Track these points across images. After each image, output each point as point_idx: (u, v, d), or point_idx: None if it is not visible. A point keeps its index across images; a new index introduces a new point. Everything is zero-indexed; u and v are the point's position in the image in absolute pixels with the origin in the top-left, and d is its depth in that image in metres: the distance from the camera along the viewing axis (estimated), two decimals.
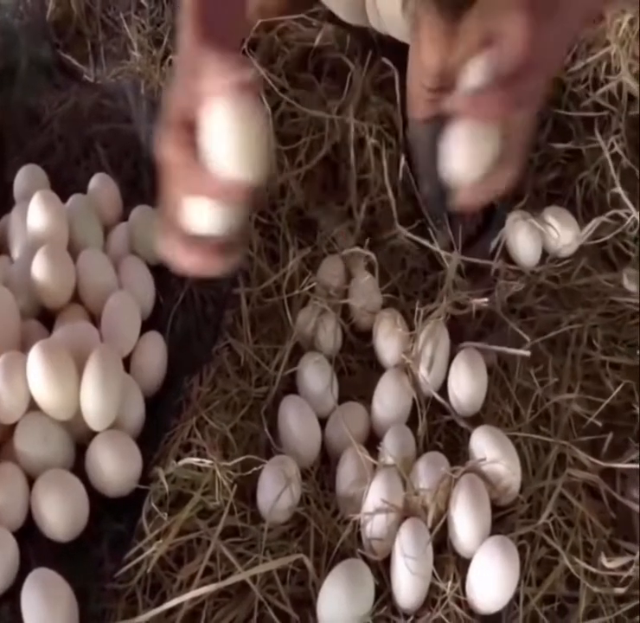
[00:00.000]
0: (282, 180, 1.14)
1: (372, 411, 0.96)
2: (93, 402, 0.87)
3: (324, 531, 0.87)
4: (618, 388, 0.95)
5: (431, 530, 0.84)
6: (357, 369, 1.02)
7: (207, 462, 0.87)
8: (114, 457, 0.87)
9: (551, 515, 0.85)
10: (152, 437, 0.92)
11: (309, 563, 0.83)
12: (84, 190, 1.10)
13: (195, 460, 0.87)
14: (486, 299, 1.03)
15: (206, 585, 0.81)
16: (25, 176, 1.10)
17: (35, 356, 0.88)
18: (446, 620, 0.80)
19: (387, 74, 1.23)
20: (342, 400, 0.97)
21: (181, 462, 0.88)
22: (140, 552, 0.83)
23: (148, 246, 1.07)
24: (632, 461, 0.90)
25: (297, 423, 0.93)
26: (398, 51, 1.18)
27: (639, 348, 0.99)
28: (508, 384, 0.97)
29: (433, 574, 0.82)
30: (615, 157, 1.18)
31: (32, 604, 0.78)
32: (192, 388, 0.95)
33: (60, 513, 0.84)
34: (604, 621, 0.80)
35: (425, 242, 1.11)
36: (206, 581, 0.81)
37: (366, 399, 0.97)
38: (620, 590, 0.82)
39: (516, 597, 0.81)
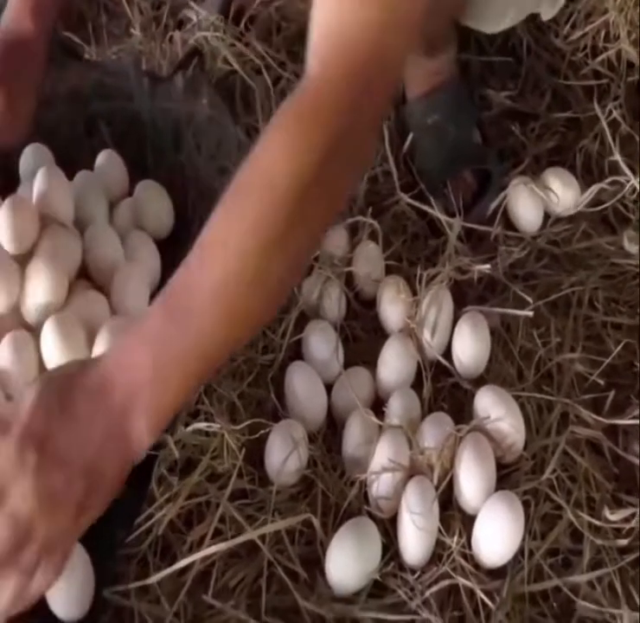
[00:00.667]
0: None
1: (377, 375, 0.97)
2: None
3: (331, 492, 0.88)
4: (619, 347, 0.96)
5: (436, 488, 0.85)
6: (362, 336, 1.03)
7: (215, 427, 0.88)
8: None
9: (554, 471, 0.86)
10: None
11: (317, 523, 0.84)
12: (88, 168, 1.11)
13: (203, 425, 0.88)
14: (488, 265, 1.04)
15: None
16: (30, 155, 1.10)
17: (48, 328, 0.89)
18: (452, 574, 0.81)
19: None
20: (347, 366, 0.98)
21: (189, 428, 0.88)
22: (151, 517, 0.84)
23: (153, 220, 1.08)
24: (634, 417, 0.91)
25: (303, 388, 0.95)
26: None
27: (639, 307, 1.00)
28: (512, 346, 0.98)
29: (439, 531, 0.83)
30: (614, 123, 1.18)
31: None
32: None
33: None
34: (607, 572, 0.81)
35: (426, 208, 1.11)
36: (216, 543, 0.82)
37: (371, 365, 0.98)
38: (623, 542, 0.83)
39: (521, 551, 0.83)
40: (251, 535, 0.82)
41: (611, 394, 0.93)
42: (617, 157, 1.14)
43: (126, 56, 1.26)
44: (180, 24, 1.35)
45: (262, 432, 0.89)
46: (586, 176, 1.17)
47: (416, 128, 1.19)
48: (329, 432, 0.95)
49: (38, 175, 1.02)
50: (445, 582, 0.81)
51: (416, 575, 0.82)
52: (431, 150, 1.18)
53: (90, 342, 0.90)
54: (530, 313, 0.99)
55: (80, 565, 0.79)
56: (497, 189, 1.13)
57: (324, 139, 0.71)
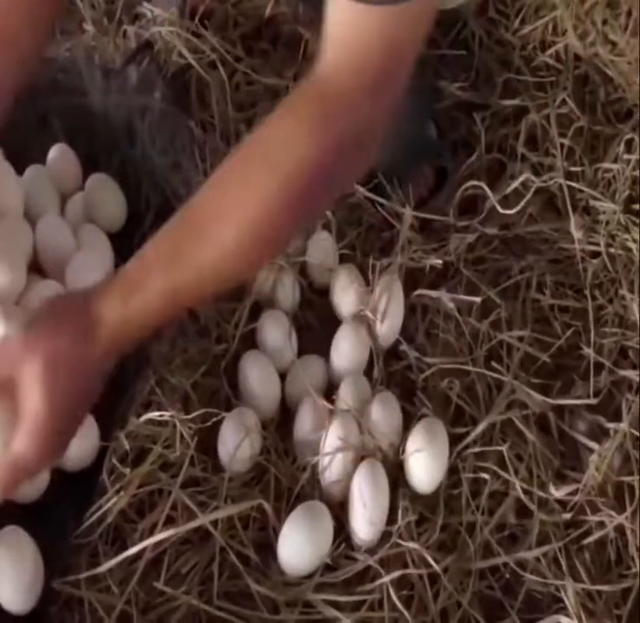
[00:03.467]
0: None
1: (330, 362, 0.98)
2: None
3: (284, 477, 0.88)
4: (568, 333, 0.97)
5: (387, 469, 0.85)
6: (316, 325, 1.04)
7: (166, 415, 0.87)
8: None
9: (503, 449, 0.87)
10: (112, 399, 0.92)
11: (269, 508, 0.84)
12: (42, 163, 1.11)
13: (155, 415, 0.88)
14: (440, 261, 1.04)
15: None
16: None
17: None
18: (401, 543, 0.81)
19: None
20: (301, 355, 0.98)
21: (141, 419, 0.88)
22: (102, 507, 0.83)
23: (105, 214, 1.08)
24: (579, 397, 0.92)
25: (256, 377, 0.95)
26: None
27: (585, 289, 1.01)
28: (463, 327, 0.99)
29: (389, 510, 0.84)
30: (561, 114, 1.20)
31: None
32: (151, 348, 0.95)
33: None
34: (552, 548, 0.82)
35: (381, 200, 1.12)
36: (167, 530, 0.82)
37: (325, 352, 0.98)
38: (567, 516, 0.84)
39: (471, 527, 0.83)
40: (202, 520, 0.82)
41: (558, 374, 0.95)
42: (557, 141, 1.15)
43: (79, 52, 1.25)
44: (135, 19, 1.35)
45: (214, 420, 0.89)
46: (541, 169, 1.18)
47: None
48: (283, 419, 0.95)
49: None
50: (396, 561, 0.81)
51: (366, 556, 0.83)
52: (387, 143, 1.18)
53: None
54: (478, 299, 0.99)
55: (29, 556, 0.79)
56: (453, 184, 1.15)
57: (333, 132, 0.72)
